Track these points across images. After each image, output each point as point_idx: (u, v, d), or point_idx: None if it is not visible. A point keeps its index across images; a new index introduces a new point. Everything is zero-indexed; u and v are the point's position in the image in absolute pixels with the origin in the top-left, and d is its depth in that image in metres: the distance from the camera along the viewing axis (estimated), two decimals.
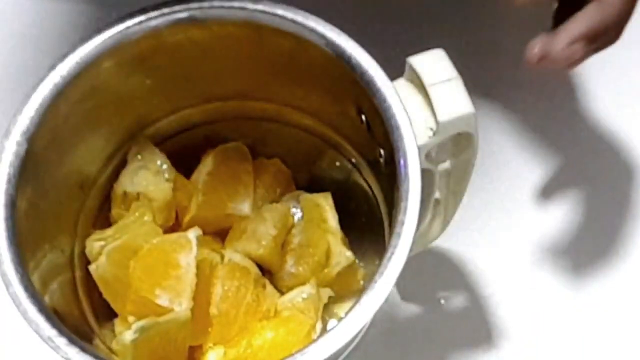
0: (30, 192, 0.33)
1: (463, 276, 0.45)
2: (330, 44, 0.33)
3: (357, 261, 0.40)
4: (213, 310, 0.37)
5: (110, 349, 0.35)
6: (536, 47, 0.34)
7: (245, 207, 0.40)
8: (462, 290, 0.45)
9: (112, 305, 0.37)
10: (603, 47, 0.35)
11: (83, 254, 0.37)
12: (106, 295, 0.37)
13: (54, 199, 0.35)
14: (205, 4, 0.34)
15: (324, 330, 0.39)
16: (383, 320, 0.44)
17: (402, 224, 0.31)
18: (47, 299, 0.32)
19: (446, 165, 0.36)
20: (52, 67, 0.33)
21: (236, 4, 0.34)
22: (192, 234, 0.37)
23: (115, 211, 0.39)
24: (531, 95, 0.50)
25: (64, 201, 0.36)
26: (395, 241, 0.31)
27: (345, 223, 0.40)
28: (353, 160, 0.40)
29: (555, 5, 0.36)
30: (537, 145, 0.48)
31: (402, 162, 0.32)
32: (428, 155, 0.35)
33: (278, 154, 0.42)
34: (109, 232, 0.38)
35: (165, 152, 0.40)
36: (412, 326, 0.44)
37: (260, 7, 0.34)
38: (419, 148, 0.32)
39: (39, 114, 0.33)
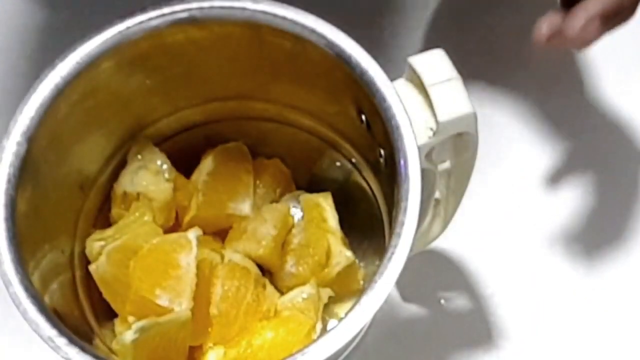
0: (30, 192, 0.33)
1: (463, 276, 0.45)
2: (330, 44, 0.33)
3: (357, 261, 0.40)
4: (213, 310, 0.37)
5: (110, 349, 0.35)
6: (544, 25, 0.33)
7: (245, 207, 0.40)
8: (462, 290, 0.45)
9: (112, 305, 0.37)
10: (617, 25, 0.35)
11: (83, 254, 0.37)
12: (106, 295, 0.37)
13: (54, 199, 0.35)
14: (205, 4, 0.34)
15: (324, 330, 0.39)
16: (383, 320, 0.44)
17: (402, 224, 0.31)
18: (47, 299, 0.32)
19: (446, 165, 0.36)
20: (52, 67, 0.33)
21: (236, 4, 0.34)
22: (192, 234, 0.37)
23: (115, 211, 0.39)
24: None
25: (64, 201, 0.36)
26: (396, 241, 0.31)
27: (345, 223, 0.40)
28: (353, 160, 0.40)
29: None
30: (541, 141, 0.48)
31: (402, 162, 0.32)
32: (428, 155, 0.35)
33: (278, 154, 0.42)
34: (109, 232, 0.38)
35: (165, 152, 0.40)
36: (412, 326, 0.44)
37: (260, 7, 0.34)
38: (419, 148, 0.32)
39: (39, 114, 0.33)
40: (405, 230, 0.31)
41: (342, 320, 0.30)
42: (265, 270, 0.40)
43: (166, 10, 0.34)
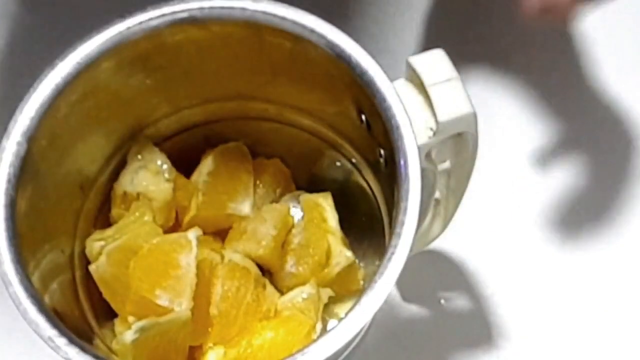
0: (30, 192, 0.33)
1: (463, 276, 0.45)
2: (330, 44, 0.33)
3: (357, 261, 0.40)
4: (213, 310, 0.37)
5: (110, 349, 0.35)
6: None
7: (245, 207, 0.40)
8: (462, 290, 0.45)
9: (112, 305, 0.37)
10: None
11: (83, 254, 0.37)
12: (106, 295, 0.37)
13: (54, 199, 0.35)
14: (205, 4, 0.34)
15: (324, 330, 0.39)
16: (383, 320, 0.44)
17: (402, 224, 0.31)
18: (47, 299, 0.32)
19: (446, 165, 0.36)
20: (52, 67, 0.33)
21: (236, 4, 0.34)
22: (192, 234, 0.37)
23: (115, 211, 0.39)
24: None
25: (64, 201, 0.36)
26: (396, 241, 0.31)
27: (345, 223, 0.40)
28: (353, 160, 0.40)
29: None
30: (543, 141, 0.48)
31: (402, 162, 0.32)
32: (428, 155, 0.35)
33: (278, 154, 0.42)
34: (109, 232, 0.38)
35: (165, 152, 0.40)
36: (412, 326, 0.44)
37: (260, 7, 0.34)
38: (419, 148, 0.32)
39: (39, 114, 0.33)
40: (405, 230, 0.31)
41: (342, 320, 0.30)
42: (265, 270, 0.40)
43: (166, 10, 0.34)
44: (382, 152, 0.35)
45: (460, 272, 0.45)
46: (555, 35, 0.51)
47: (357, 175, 0.41)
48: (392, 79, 0.33)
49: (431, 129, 0.33)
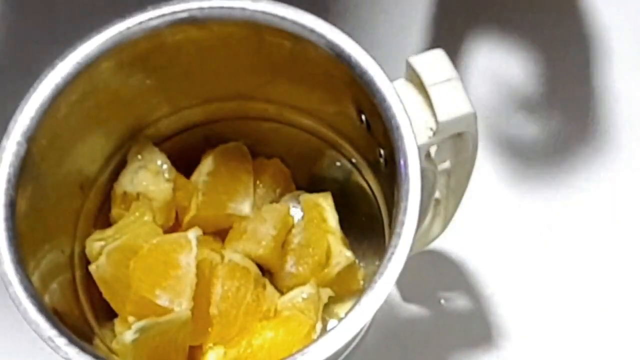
0: (30, 192, 0.33)
1: (463, 276, 0.45)
2: (330, 44, 0.33)
3: (357, 261, 0.40)
4: (213, 310, 0.37)
5: (110, 349, 0.35)
6: None
7: (245, 207, 0.40)
8: (462, 290, 0.45)
9: (112, 305, 0.37)
10: None
11: (83, 254, 0.37)
12: (106, 295, 0.37)
13: (54, 199, 0.35)
14: (205, 4, 0.34)
15: (324, 330, 0.39)
16: (383, 320, 0.44)
17: (402, 224, 0.31)
18: (47, 299, 0.32)
19: (446, 165, 0.36)
20: (52, 67, 0.33)
21: (236, 4, 0.34)
22: (192, 234, 0.37)
23: (115, 211, 0.39)
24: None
25: (64, 201, 0.36)
26: (395, 241, 0.31)
27: (345, 223, 0.40)
28: (353, 160, 0.40)
29: None
30: (543, 140, 0.48)
31: (402, 162, 0.32)
32: (428, 155, 0.35)
33: (278, 154, 0.42)
34: (109, 232, 0.38)
35: (165, 152, 0.40)
36: (412, 326, 0.44)
37: (260, 7, 0.34)
38: (419, 148, 0.32)
39: (39, 114, 0.33)
40: (405, 230, 0.31)
41: (342, 320, 0.30)
42: (265, 270, 0.40)
43: (166, 10, 0.34)
44: (382, 152, 0.35)
45: (460, 272, 0.45)
46: (555, 35, 0.51)
47: (357, 175, 0.41)
48: (392, 79, 0.33)
49: (431, 129, 0.33)
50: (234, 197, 0.40)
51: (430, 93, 0.32)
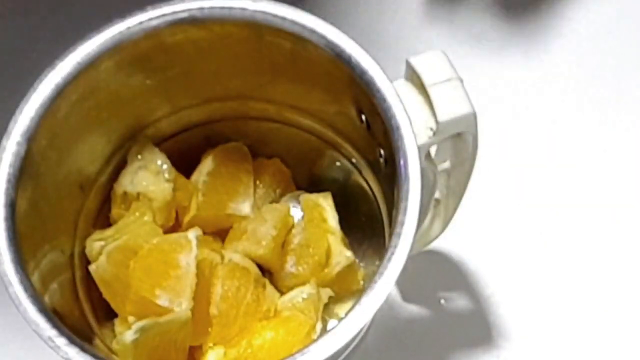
0: (30, 192, 0.33)
1: (463, 276, 0.45)
2: (330, 44, 0.33)
3: (357, 261, 0.40)
4: (213, 310, 0.37)
5: (110, 349, 0.35)
6: None
7: (245, 207, 0.40)
8: (462, 290, 0.45)
9: (112, 305, 0.37)
10: None
11: (83, 254, 0.37)
12: (106, 295, 0.37)
13: (54, 199, 0.35)
14: (205, 4, 0.34)
15: (324, 330, 0.39)
16: (383, 320, 0.44)
17: (402, 224, 0.31)
18: (47, 299, 0.32)
19: (446, 165, 0.36)
20: (52, 67, 0.33)
21: (236, 4, 0.34)
22: (192, 234, 0.37)
23: (115, 211, 0.39)
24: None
25: (64, 201, 0.36)
26: (396, 241, 0.31)
27: (345, 223, 0.40)
28: (353, 160, 0.40)
29: None
30: (544, 140, 0.48)
31: (402, 162, 0.32)
32: (428, 155, 0.35)
33: (278, 154, 0.42)
34: (109, 232, 0.38)
35: (165, 152, 0.40)
36: (412, 326, 0.44)
37: (260, 7, 0.34)
38: (419, 148, 0.32)
39: (39, 114, 0.33)
40: (405, 230, 0.31)
41: (342, 320, 0.30)
42: (265, 270, 0.40)
43: (166, 10, 0.34)
44: (382, 152, 0.35)
45: (460, 272, 0.45)
46: (555, 35, 0.51)
47: (357, 175, 0.41)
48: (392, 79, 0.33)
49: (431, 129, 0.33)
50: (234, 197, 0.40)
51: (430, 93, 0.32)
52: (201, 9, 0.34)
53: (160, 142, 0.40)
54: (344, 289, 0.40)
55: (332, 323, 0.40)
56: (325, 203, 0.40)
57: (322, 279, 0.39)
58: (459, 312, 0.45)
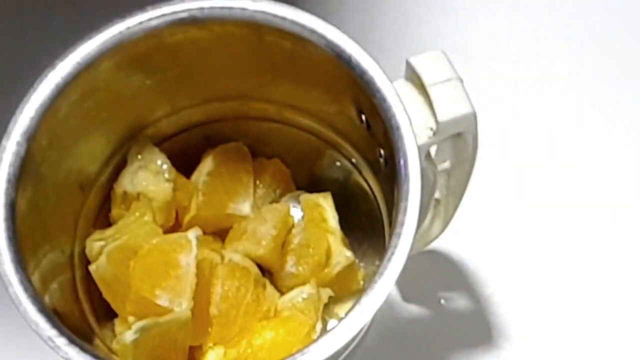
0: (30, 192, 0.33)
1: (463, 276, 0.45)
2: (330, 44, 0.33)
3: (357, 261, 0.40)
4: (213, 310, 0.37)
5: (110, 349, 0.35)
6: None
7: (245, 207, 0.40)
8: (463, 290, 0.45)
9: (112, 305, 0.37)
10: None
11: (83, 254, 0.37)
12: (106, 295, 0.37)
13: (54, 199, 0.35)
14: (205, 4, 0.34)
15: (324, 330, 0.39)
16: (383, 320, 0.44)
17: (402, 224, 0.31)
18: (47, 299, 0.32)
19: (446, 165, 0.36)
20: (52, 67, 0.33)
21: (236, 4, 0.34)
22: (192, 234, 0.37)
23: (115, 211, 0.39)
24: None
25: (64, 201, 0.36)
26: (396, 241, 0.31)
27: (345, 223, 0.40)
28: (353, 160, 0.40)
29: None
30: (543, 139, 0.48)
31: (402, 162, 0.32)
32: (428, 155, 0.35)
33: (278, 154, 0.42)
34: (109, 232, 0.38)
35: (165, 152, 0.40)
36: (412, 326, 0.44)
37: (260, 7, 0.34)
38: (419, 148, 0.32)
39: (39, 114, 0.33)
40: (405, 230, 0.31)
41: (342, 320, 0.30)
42: (265, 270, 0.40)
43: (166, 10, 0.34)
44: (382, 152, 0.35)
45: (460, 272, 0.45)
46: (555, 35, 0.51)
47: (357, 175, 0.41)
48: (392, 79, 0.33)
49: (431, 129, 0.33)
50: (234, 197, 0.40)
51: (430, 93, 0.32)
52: (201, 9, 0.34)
53: (160, 142, 0.40)
54: (344, 289, 0.40)
55: (332, 323, 0.40)
56: (325, 203, 0.40)
57: (322, 279, 0.39)
58: (459, 312, 0.45)
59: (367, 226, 0.41)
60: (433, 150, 0.35)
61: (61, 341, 0.30)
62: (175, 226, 0.40)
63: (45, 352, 0.30)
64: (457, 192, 0.37)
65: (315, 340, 0.30)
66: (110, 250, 0.36)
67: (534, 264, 0.46)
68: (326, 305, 0.39)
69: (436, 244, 0.42)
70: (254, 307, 0.38)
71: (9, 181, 0.32)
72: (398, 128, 0.32)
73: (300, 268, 0.40)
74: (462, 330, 0.44)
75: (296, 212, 0.41)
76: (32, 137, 0.33)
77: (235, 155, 0.41)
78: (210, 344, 0.38)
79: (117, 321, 0.37)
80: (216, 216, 0.40)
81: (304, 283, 0.39)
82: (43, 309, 0.31)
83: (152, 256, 0.36)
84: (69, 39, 0.34)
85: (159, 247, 0.37)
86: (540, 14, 0.52)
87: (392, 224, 0.32)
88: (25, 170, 0.32)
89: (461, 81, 0.32)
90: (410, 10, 0.52)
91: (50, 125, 0.33)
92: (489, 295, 0.45)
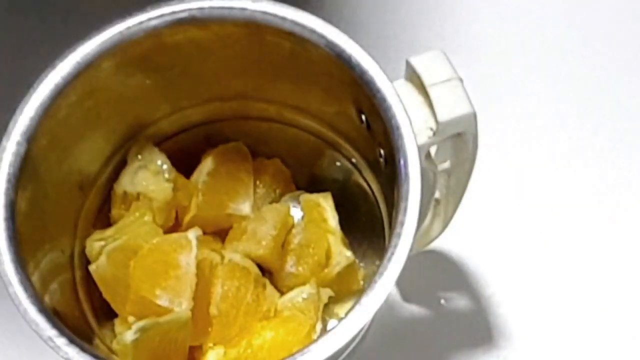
0: (30, 192, 0.33)
1: (463, 276, 0.45)
2: (330, 44, 0.33)
3: (357, 261, 0.40)
4: (213, 310, 0.37)
5: (110, 349, 0.35)
6: None
7: (245, 207, 0.40)
8: (463, 290, 0.45)
9: (112, 305, 0.37)
10: None
11: (83, 254, 0.37)
12: (106, 295, 0.37)
13: (54, 199, 0.35)
14: (205, 4, 0.34)
15: (324, 330, 0.39)
16: (383, 320, 0.44)
17: (402, 224, 0.31)
18: (47, 299, 0.32)
19: (446, 165, 0.36)
20: (52, 67, 0.33)
21: (236, 4, 0.34)
22: (192, 234, 0.37)
23: (115, 211, 0.39)
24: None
25: (64, 201, 0.36)
26: (396, 241, 0.31)
27: (345, 223, 0.40)
28: (353, 160, 0.40)
29: None
30: (542, 139, 0.48)
31: (402, 162, 0.32)
32: (428, 155, 0.35)
33: (278, 154, 0.42)
34: (109, 232, 0.38)
35: (165, 152, 0.40)
36: (412, 326, 0.44)
37: (260, 7, 0.34)
38: (419, 148, 0.32)
39: (39, 114, 0.33)
40: (405, 230, 0.31)
41: (342, 320, 0.30)
42: (265, 270, 0.40)
43: (166, 10, 0.34)
44: (382, 152, 0.35)
45: (460, 272, 0.45)
46: (555, 35, 0.51)
47: (357, 175, 0.41)
48: (392, 79, 0.33)
49: (431, 129, 0.33)
50: (234, 197, 0.40)
51: (430, 93, 0.32)
52: (201, 9, 0.34)
53: (160, 142, 0.40)
54: (344, 289, 0.40)
55: (332, 323, 0.40)
56: (325, 203, 0.40)
57: (322, 279, 0.39)
58: (459, 312, 0.45)
59: (367, 226, 0.41)
60: (433, 150, 0.35)
61: (61, 341, 0.30)
62: (175, 226, 0.40)
63: (45, 352, 0.30)
64: (457, 192, 0.37)
65: (315, 340, 0.30)
66: (110, 250, 0.36)
67: (534, 264, 0.46)
68: (326, 305, 0.39)
69: (436, 244, 0.42)
70: (254, 307, 0.38)
71: (9, 181, 0.32)
72: (398, 128, 0.32)
73: (300, 268, 0.40)
74: (462, 330, 0.44)
75: (296, 212, 0.41)
76: (32, 137, 0.33)
77: (235, 155, 0.41)
78: (210, 344, 0.38)
79: (117, 321, 0.37)
80: (216, 216, 0.40)
81: (304, 283, 0.39)
82: (43, 309, 0.31)
83: (152, 256, 0.36)
84: (69, 39, 0.34)
85: (159, 247, 0.37)
86: (541, 13, 0.52)
87: (392, 224, 0.32)
88: (25, 170, 0.32)
89: (461, 81, 0.32)
90: (410, 10, 0.52)
91: (50, 125, 0.33)
92: (489, 295, 0.45)
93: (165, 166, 0.39)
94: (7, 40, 0.51)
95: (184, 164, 0.40)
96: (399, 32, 0.51)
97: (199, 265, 0.36)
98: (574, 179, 0.47)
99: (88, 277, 0.37)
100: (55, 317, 0.31)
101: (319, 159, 0.42)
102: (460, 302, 0.45)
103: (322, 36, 0.33)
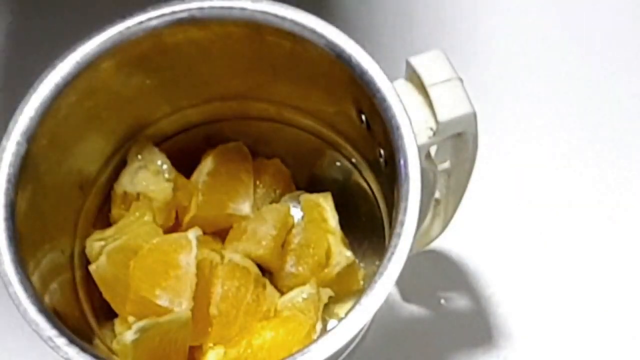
0: (30, 192, 0.33)
1: (463, 276, 0.45)
2: (330, 44, 0.33)
3: (357, 261, 0.40)
4: (213, 310, 0.37)
5: (110, 349, 0.35)
6: None
7: (245, 207, 0.40)
8: (463, 290, 0.45)
9: (112, 305, 0.37)
10: None
11: (83, 254, 0.37)
12: (106, 295, 0.37)
13: (54, 199, 0.35)
14: (205, 4, 0.34)
15: (324, 330, 0.39)
16: (383, 320, 0.44)
17: (402, 224, 0.31)
18: (47, 299, 0.32)
19: (446, 165, 0.36)
20: (52, 67, 0.33)
21: (236, 4, 0.34)
22: (192, 234, 0.37)
23: (115, 211, 0.39)
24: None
25: (64, 201, 0.36)
26: (396, 241, 0.31)
27: (345, 223, 0.40)
28: (353, 160, 0.40)
29: None
30: (542, 139, 0.48)
31: (402, 162, 0.32)
32: (428, 155, 0.35)
33: (278, 154, 0.42)
34: (109, 232, 0.38)
35: (165, 152, 0.40)
36: (412, 326, 0.44)
37: (260, 7, 0.34)
38: (419, 148, 0.32)
39: (39, 114, 0.33)
40: (405, 230, 0.31)
41: (342, 320, 0.30)
42: (265, 270, 0.40)
43: (166, 10, 0.34)
44: (382, 152, 0.35)
45: (460, 272, 0.45)
46: (555, 35, 0.51)
47: (357, 175, 0.41)
48: (392, 79, 0.33)
49: (431, 129, 0.33)
50: (234, 197, 0.40)
51: (430, 93, 0.32)
52: (201, 9, 0.34)
53: (160, 142, 0.40)
54: (344, 289, 0.40)
55: (332, 323, 0.40)
56: (325, 203, 0.40)
57: (322, 279, 0.39)
58: (459, 312, 0.45)
59: (367, 226, 0.41)
60: (433, 150, 0.35)
61: (61, 341, 0.30)
62: (175, 226, 0.40)
63: (45, 352, 0.30)
64: (457, 192, 0.37)
65: (315, 340, 0.30)
66: (110, 250, 0.36)
67: (534, 264, 0.46)
68: (326, 305, 0.39)
69: (436, 244, 0.42)
70: (254, 307, 0.38)
71: (9, 181, 0.32)
72: (398, 128, 0.32)
73: (300, 268, 0.40)
74: (462, 330, 0.44)
75: (296, 212, 0.41)
76: (32, 137, 0.33)
77: (235, 155, 0.41)
78: (210, 344, 0.38)
79: (117, 321, 0.37)
80: (216, 216, 0.40)
81: (304, 283, 0.39)
82: (43, 309, 0.31)
83: (152, 256, 0.36)
84: (69, 39, 0.34)
85: (159, 247, 0.37)
86: (541, 14, 0.52)
87: (392, 224, 0.32)
88: (25, 170, 0.32)
89: (461, 81, 0.32)
90: (410, 10, 0.52)
91: (50, 125, 0.33)
92: (489, 295, 0.45)
93: (165, 166, 0.39)
94: (7, 40, 0.51)
95: (184, 164, 0.40)
96: (399, 32, 0.51)
97: (199, 265, 0.36)
98: (574, 179, 0.47)
99: (88, 277, 0.37)
100: (55, 317, 0.31)
101: (319, 159, 0.42)
102: (460, 302, 0.45)
103: (322, 36, 0.33)
